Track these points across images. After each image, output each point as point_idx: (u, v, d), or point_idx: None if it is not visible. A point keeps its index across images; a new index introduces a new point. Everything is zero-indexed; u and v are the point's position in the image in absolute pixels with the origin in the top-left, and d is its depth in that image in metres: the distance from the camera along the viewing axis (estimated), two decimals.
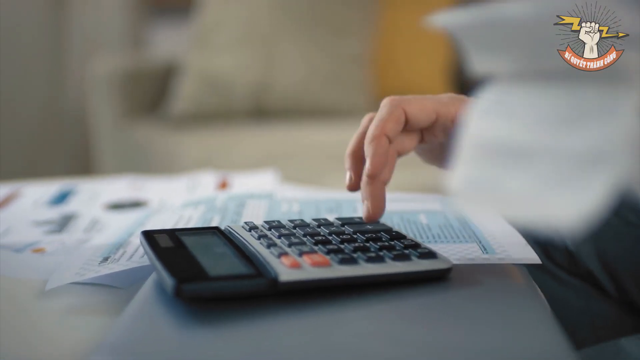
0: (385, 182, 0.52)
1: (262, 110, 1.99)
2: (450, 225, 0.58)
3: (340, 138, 1.81)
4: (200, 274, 0.44)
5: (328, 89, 1.97)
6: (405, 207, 0.64)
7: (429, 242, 0.54)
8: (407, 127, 0.53)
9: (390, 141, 0.51)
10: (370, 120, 0.55)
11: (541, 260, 0.50)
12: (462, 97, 0.54)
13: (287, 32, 1.98)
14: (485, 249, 0.52)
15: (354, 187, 0.54)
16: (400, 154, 0.55)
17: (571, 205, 0.30)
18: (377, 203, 0.51)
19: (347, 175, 0.54)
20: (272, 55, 1.97)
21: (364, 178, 0.51)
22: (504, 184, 0.33)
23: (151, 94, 2.18)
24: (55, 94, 2.52)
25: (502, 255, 0.51)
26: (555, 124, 0.33)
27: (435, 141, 0.55)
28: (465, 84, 2.15)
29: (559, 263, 0.63)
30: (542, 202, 0.31)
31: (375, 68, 2.04)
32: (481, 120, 0.36)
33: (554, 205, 0.31)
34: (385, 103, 0.53)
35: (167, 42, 2.79)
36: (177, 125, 1.99)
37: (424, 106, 0.52)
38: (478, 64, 0.36)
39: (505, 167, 0.33)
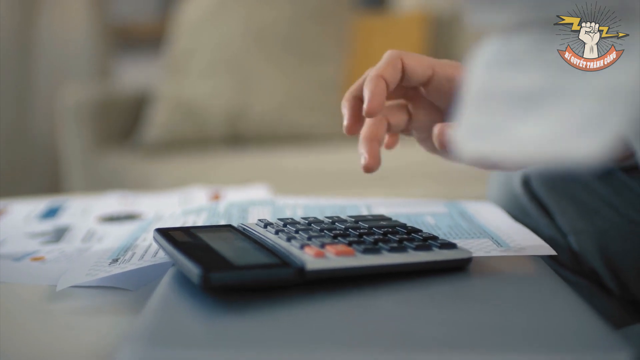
0: (380, 141, 0.56)
1: (237, 137, 1.98)
2: (459, 225, 0.59)
3: (316, 163, 1.82)
4: (226, 264, 0.44)
5: (303, 114, 1.97)
6: (411, 210, 0.64)
7: None
8: (404, 80, 0.55)
9: (388, 86, 0.54)
10: (391, 50, 0.57)
11: (555, 254, 0.51)
12: (459, 63, 0.57)
13: (260, 58, 1.99)
14: (499, 243, 0.52)
15: (350, 129, 0.56)
16: (391, 126, 0.58)
17: (588, 142, 0.30)
18: (374, 156, 0.55)
19: (345, 117, 0.56)
20: (246, 81, 1.98)
21: (360, 135, 0.56)
22: (514, 128, 0.33)
23: (122, 123, 2.17)
24: (22, 124, 2.49)
25: (517, 247, 0.51)
26: (563, 66, 0.33)
27: (430, 107, 0.58)
28: None
29: (562, 262, 0.64)
30: (557, 142, 0.31)
31: None
32: (483, 71, 0.35)
33: (571, 143, 0.30)
34: (385, 54, 0.55)
35: (134, 73, 2.79)
36: (150, 153, 1.97)
37: (421, 60, 0.55)
38: (478, 18, 0.36)
39: (513, 112, 0.33)
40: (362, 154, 0.55)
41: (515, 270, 0.48)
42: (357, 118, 0.56)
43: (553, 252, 0.51)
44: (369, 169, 0.55)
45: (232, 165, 1.84)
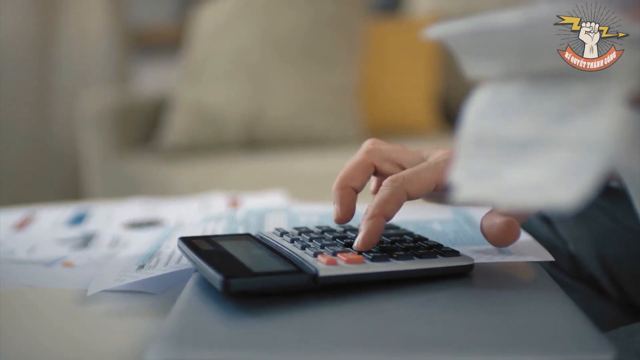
0: (356, 190, 0.56)
1: (253, 141, 2.03)
2: (464, 231, 0.62)
3: (331, 166, 1.86)
4: (245, 271, 0.47)
5: (318, 119, 2.01)
6: (419, 216, 0.68)
7: (448, 245, 0.58)
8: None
9: (386, 220, 0.53)
10: (367, 150, 0.57)
11: (553, 259, 0.54)
12: None
13: (276, 64, 2.03)
14: (501, 250, 0.56)
15: (341, 220, 0.56)
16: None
17: (568, 191, 0.33)
18: (347, 207, 0.55)
19: (336, 208, 0.56)
20: (262, 86, 2.02)
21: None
22: (503, 174, 0.36)
23: (141, 128, 2.21)
24: (42, 131, 2.54)
25: (518, 254, 0.54)
26: (548, 117, 0.36)
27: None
28: (450, 112, 2.22)
29: (561, 267, 0.67)
30: (541, 190, 0.35)
31: (363, 98, 2.09)
32: (476, 118, 0.39)
33: (551, 190, 0.34)
34: (387, 183, 0.53)
35: (152, 78, 2.84)
36: (169, 158, 2.02)
37: (424, 184, 0.53)
38: (471, 69, 0.40)
39: (503, 159, 0.37)
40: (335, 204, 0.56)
41: (514, 275, 0.51)
42: (349, 209, 0.56)
43: (551, 258, 0.54)
44: (340, 222, 0.56)
45: (249, 169, 1.88)
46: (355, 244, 0.52)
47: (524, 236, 0.60)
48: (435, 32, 0.40)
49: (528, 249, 0.56)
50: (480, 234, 0.61)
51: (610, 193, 0.64)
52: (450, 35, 0.39)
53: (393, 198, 0.52)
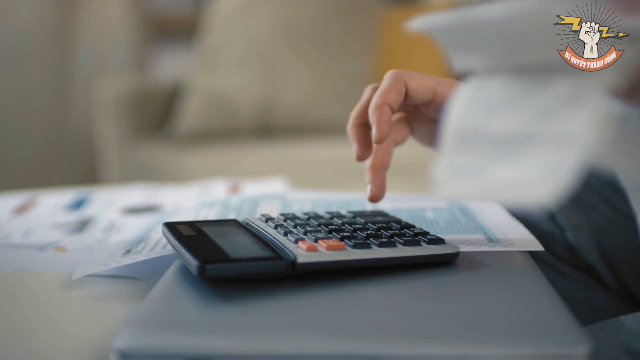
0: (386, 169, 0.58)
1: (266, 128, 2.02)
2: (457, 220, 0.61)
3: (343, 154, 1.85)
4: (223, 256, 0.47)
5: (331, 106, 2.00)
6: (413, 205, 0.67)
7: (437, 233, 0.57)
8: (406, 100, 0.57)
9: (392, 110, 0.55)
10: (372, 91, 0.58)
11: (543, 249, 0.53)
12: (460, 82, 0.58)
13: (290, 52, 2.02)
14: (490, 239, 0.55)
15: (361, 156, 0.58)
16: (396, 143, 0.60)
17: (547, 185, 0.33)
18: (380, 187, 0.57)
19: (353, 146, 0.58)
20: (276, 74, 2.01)
21: (368, 164, 0.58)
22: (486, 171, 0.36)
23: (157, 114, 2.22)
24: (61, 116, 2.56)
25: (507, 243, 0.53)
26: (530, 113, 0.36)
27: (429, 119, 0.60)
28: None
29: (559, 256, 0.66)
30: (521, 187, 0.34)
31: None
32: (461, 113, 0.38)
33: (532, 188, 0.34)
34: (388, 75, 0.56)
35: (169, 64, 2.84)
36: (183, 144, 2.02)
37: (423, 83, 0.56)
38: (457, 62, 0.39)
39: (486, 156, 0.36)
40: (368, 185, 0.58)
41: (499, 264, 0.50)
42: (366, 145, 0.58)
43: (541, 248, 0.53)
44: (374, 199, 0.57)
45: (260, 155, 1.87)
46: (373, 139, 0.54)
47: (518, 226, 0.59)
48: (419, 24, 0.39)
49: (518, 239, 0.54)
50: (473, 223, 0.60)
51: (611, 181, 0.63)
52: (434, 28, 0.39)
53: (394, 87, 0.55)
